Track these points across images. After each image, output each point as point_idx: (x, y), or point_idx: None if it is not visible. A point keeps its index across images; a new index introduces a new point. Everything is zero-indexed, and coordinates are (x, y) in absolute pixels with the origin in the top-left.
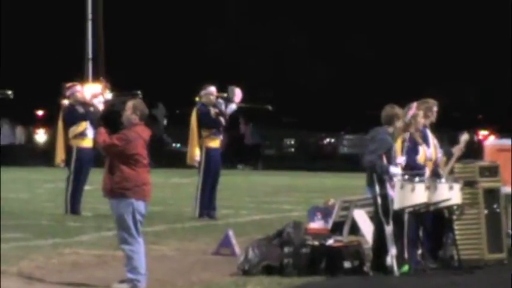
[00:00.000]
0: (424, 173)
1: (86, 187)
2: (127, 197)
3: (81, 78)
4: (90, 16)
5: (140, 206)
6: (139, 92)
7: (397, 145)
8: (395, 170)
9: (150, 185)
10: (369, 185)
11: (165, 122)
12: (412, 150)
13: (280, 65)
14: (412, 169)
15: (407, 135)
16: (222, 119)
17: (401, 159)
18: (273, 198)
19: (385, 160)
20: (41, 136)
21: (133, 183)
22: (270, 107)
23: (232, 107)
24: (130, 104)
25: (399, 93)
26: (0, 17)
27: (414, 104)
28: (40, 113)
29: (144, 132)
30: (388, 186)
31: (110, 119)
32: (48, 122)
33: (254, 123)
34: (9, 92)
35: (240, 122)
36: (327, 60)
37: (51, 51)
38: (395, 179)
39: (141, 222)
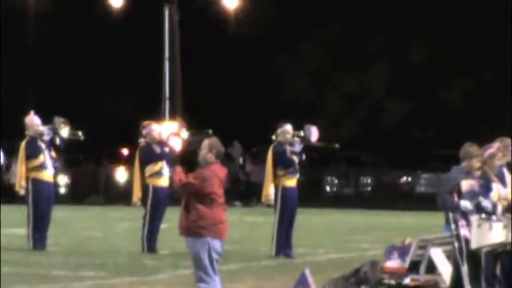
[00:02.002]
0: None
1: (163, 225)
2: (203, 236)
3: (159, 116)
4: (167, 55)
5: (216, 244)
6: (210, 131)
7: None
8: (465, 204)
9: (226, 224)
10: (447, 223)
11: (241, 160)
12: (484, 188)
13: (357, 103)
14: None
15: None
16: (295, 158)
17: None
18: (350, 237)
19: (456, 198)
20: (121, 175)
21: (210, 221)
22: (337, 146)
23: (300, 145)
24: (206, 142)
25: (475, 132)
26: (81, 58)
27: (496, 145)
28: (125, 151)
29: (220, 171)
30: (460, 225)
31: (186, 157)
32: (130, 161)
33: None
34: (80, 133)
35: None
36: (404, 99)
37: (129, 90)
38: (470, 217)
39: (217, 261)
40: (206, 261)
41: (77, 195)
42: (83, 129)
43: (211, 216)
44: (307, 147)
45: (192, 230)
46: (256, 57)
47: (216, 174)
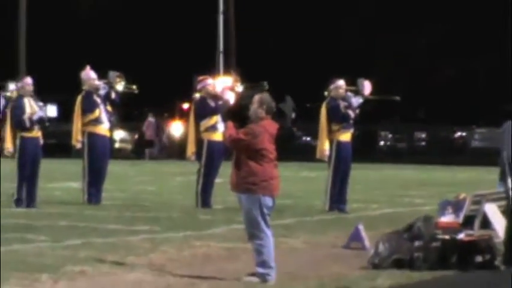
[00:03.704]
0: None
1: (217, 180)
2: (254, 192)
3: (213, 71)
4: (221, 9)
5: (267, 200)
6: (265, 83)
7: None
8: None
9: (278, 180)
10: (501, 179)
11: (293, 115)
12: None
13: (413, 58)
14: None
15: None
16: (350, 113)
17: None
18: (404, 192)
19: None
20: (177, 129)
21: (260, 178)
22: (397, 98)
23: (359, 99)
24: (257, 97)
25: None
26: (136, 14)
27: None
28: (185, 106)
29: (270, 126)
30: None
31: (238, 112)
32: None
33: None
34: (134, 87)
35: None
36: (461, 54)
37: (184, 45)
38: None
39: (269, 215)
40: (259, 218)
41: (138, 150)
42: (141, 84)
43: (262, 172)
44: (366, 101)
45: (243, 186)
46: (312, 9)
47: (266, 130)
